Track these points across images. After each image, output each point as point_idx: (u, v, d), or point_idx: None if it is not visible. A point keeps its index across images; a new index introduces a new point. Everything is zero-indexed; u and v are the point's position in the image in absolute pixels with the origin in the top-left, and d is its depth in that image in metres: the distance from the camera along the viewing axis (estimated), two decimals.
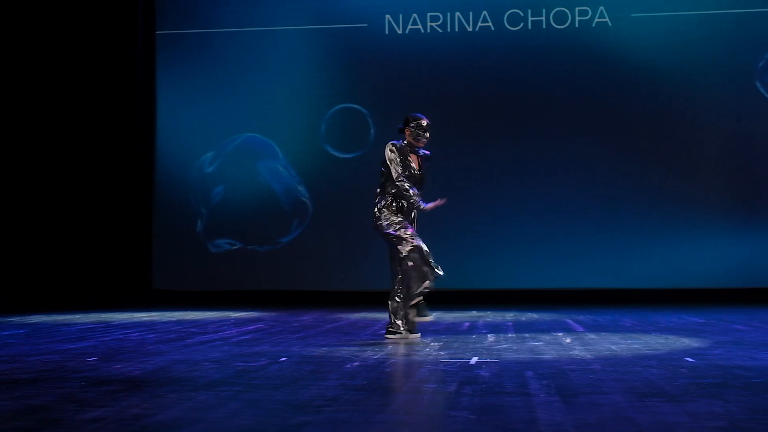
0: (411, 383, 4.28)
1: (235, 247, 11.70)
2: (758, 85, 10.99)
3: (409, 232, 6.42)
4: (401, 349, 5.73)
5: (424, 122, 6.54)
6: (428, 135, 6.54)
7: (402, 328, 6.35)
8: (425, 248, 6.37)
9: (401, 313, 6.39)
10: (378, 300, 11.03)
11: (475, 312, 9.49)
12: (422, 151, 6.64)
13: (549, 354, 5.37)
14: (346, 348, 5.82)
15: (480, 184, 11.31)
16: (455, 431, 3.14)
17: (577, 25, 11.32)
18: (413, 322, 6.43)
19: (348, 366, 4.83)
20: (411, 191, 6.40)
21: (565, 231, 11.14)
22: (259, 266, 11.64)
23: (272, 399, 3.78)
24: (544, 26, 11.38)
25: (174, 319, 8.76)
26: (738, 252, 10.92)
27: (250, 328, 7.57)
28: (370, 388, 4.07)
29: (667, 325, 7.50)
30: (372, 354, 5.45)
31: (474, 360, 5.11)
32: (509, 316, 8.89)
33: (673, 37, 11.12)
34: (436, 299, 10.04)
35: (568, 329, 7.19)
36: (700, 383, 4.08)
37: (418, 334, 6.47)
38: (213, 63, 11.84)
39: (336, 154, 11.58)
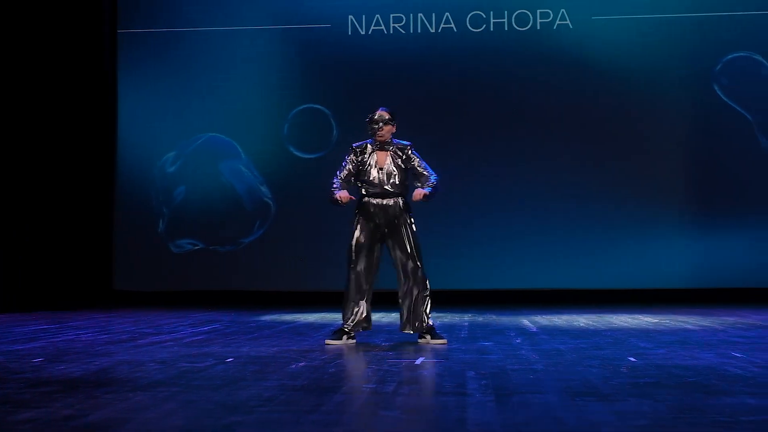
0: (350, 383, 4.29)
1: (197, 248, 11.67)
2: (716, 88, 11.11)
3: (354, 236, 6.24)
4: (351, 350, 5.75)
5: (375, 115, 6.27)
6: (378, 126, 6.21)
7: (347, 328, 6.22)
8: (358, 270, 6.17)
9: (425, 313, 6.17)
10: (338, 300, 11.06)
11: (433, 313, 9.48)
12: (399, 143, 6.30)
13: (495, 354, 5.41)
14: (296, 348, 5.83)
15: (441, 184, 11.34)
16: (382, 431, 3.16)
17: (538, 27, 11.40)
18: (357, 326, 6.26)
19: (293, 366, 4.84)
20: (331, 191, 6.27)
21: (526, 232, 11.21)
22: (221, 267, 11.62)
23: (208, 399, 3.79)
24: (506, 28, 11.44)
25: (130, 319, 8.73)
26: (696, 252, 11.04)
27: (205, 328, 7.56)
28: (309, 388, 4.09)
29: (619, 326, 7.56)
30: (320, 354, 5.46)
31: (420, 360, 5.13)
32: (467, 317, 8.93)
33: (633, 40, 11.23)
34: (390, 299, 10.06)
35: (521, 330, 7.24)
36: (636, 383, 4.13)
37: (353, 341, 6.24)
38: (176, 62, 11.80)
39: (299, 154, 11.58)
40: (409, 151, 6.30)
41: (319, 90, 11.64)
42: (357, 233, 6.25)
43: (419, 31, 11.58)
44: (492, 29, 11.47)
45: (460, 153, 11.38)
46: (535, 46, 11.38)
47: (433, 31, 11.56)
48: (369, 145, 6.34)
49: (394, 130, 6.34)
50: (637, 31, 11.24)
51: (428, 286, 6.23)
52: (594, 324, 7.77)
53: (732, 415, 3.32)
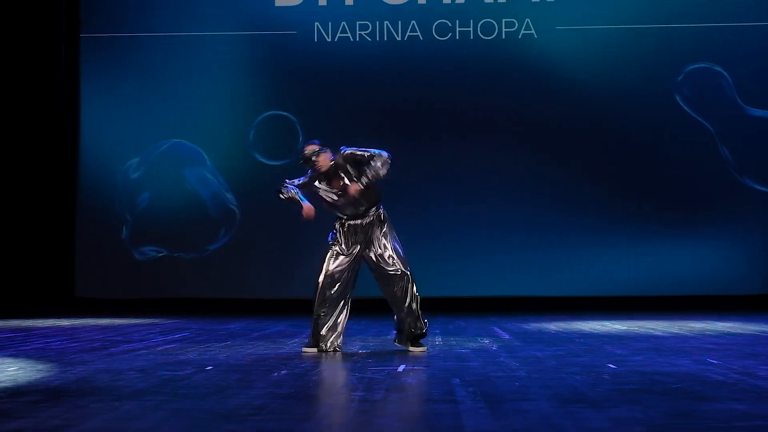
0: (337, 391, 4.26)
1: (161, 255, 11.53)
2: (677, 98, 11.27)
3: (329, 254, 6.11)
4: (329, 357, 5.71)
5: (305, 152, 6.06)
6: (314, 161, 5.99)
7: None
8: (328, 293, 6.06)
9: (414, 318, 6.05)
10: (305, 308, 11.01)
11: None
12: (335, 158, 6.02)
13: (476, 361, 5.41)
14: (273, 356, 5.78)
15: (404, 193, 11.33)
16: None
17: (504, 36, 11.47)
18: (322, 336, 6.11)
19: (275, 374, 4.80)
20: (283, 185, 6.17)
21: (486, 240, 11.26)
22: (185, 274, 11.50)
23: (198, 408, 3.74)
24: (471, 37, 11.50)
25: (97, 327, 8.60)
26: (657, 261, 11.17)
27: (176, 336, 7.47)
28: (297, 396, 4.05)
29: (590, 333, 7.62)
30: (300, 362, 5.43)
31: (402, 368, 5.12)
32: (437, 324, 8.92)
33: (596, 50, 11.35)
34: (365, 306, 10.06)
35: (494, 337, 7.26)
36: (622, 389, 4.15)
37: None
38: (140, 67, 11.67)
39: (264, 161, 11.51)
40: (346, 153, 6.02)
41: (285, 96, 11.59)
42: (331, 265, 6.10)
43: (385, 38, 11.59)
44: (458, 38, 11.52)
45: (425, 160, 11.40)
46: (500, 55, 11.45)
47: (399, 39, 11.57)
48: (317, 177, 6.09)
49: (330, 154, 6.06)
50: (600, 41, 11.37)
51: (416, 293, 6.11)
52: (564, 331, 7.81)
53: (726, 420, 3.36)
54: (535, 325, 8.51)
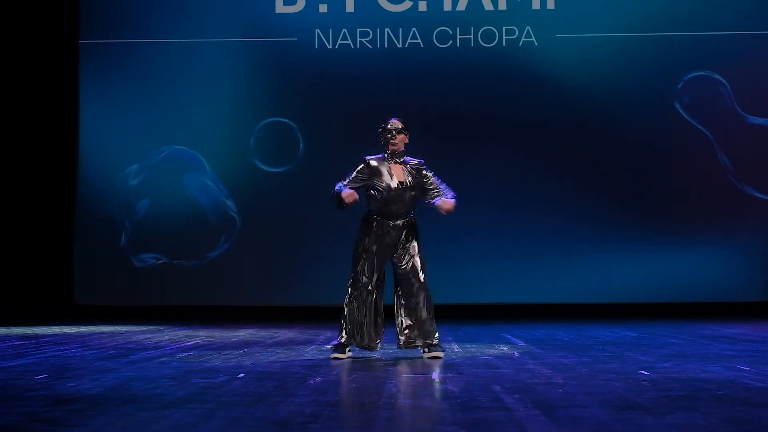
0: (384, 398, 4.22)
1: (160, 262, 11.44)
2: (677, 105, 11.33)
3: (360, 257, 6.05)
4: (357, 364, 5.67)
5: (388, 125, 6.10)
6: (391, 135, 6.03)
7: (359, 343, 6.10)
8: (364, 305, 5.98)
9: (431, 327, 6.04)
10: (306, 315, 11.02)
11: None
12: (411, 160, 6.15)
13: (506, 369, 5.39)
14: (298, 363, 5.74)
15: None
16: None
17: (504, 44, 11.49)
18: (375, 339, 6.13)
19: (311, 382, 4.76)
20: (337, 191, 6.01)
21: (491, 247, 11.25)
22: (185, 281, 11.41)
23: (251, 416, 3.69)
24: (472, 44, 11.50)
25: (104, 334, 8.50)
26: (659, 268, 11.19)
27: (189, 344, 7.40)
28: (345, 403, 4.01)
29: (603, 339, 7.63)
30: (330, 369, 5.39)
31: (436, 375, 5.09)
32: (444, 331, 8.90)
33: (596, 58, 11.39)
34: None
35: (511, 344, 7.25)
36: (669, 396, 4.15)
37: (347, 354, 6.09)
38: (140, 74, 11.58)
39: (265, 168, 11.46)
40: (424, 170, 6.15)
41: (285, 103, 11.55)
42: (363, 258, 6.06)
43: (386, 46, 11.58)
44: (458, 45, 11.53)
45: (429, 168, 11.34)
46: (501, 62, 11.46)
47: (399, 46, 11.57)
48: (381, 159, 6.14)
49: (407, 140, 6.15)
50: (600, 49, 11.41)
51: (432, 300, 6.12)
52: (578, 338, 7.82)
53: None
54: (545, 332, 8.50)
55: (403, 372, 5.24)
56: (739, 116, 11.27)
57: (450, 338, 7.92)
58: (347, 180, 6.14)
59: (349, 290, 6.12)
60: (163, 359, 6.07)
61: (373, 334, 6.09)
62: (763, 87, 11.29)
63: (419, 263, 6.08)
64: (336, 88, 11.52)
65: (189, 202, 11.47)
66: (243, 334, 8.54)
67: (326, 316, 10.90)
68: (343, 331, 6.12)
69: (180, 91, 11.54)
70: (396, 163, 6.14)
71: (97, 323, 10.16)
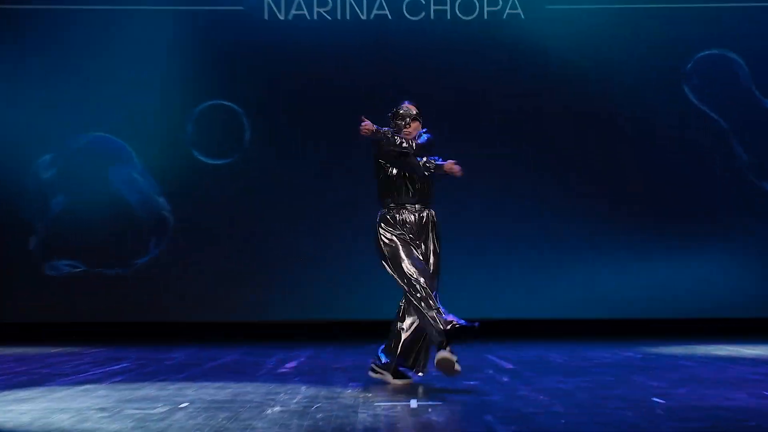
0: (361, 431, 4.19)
1: (77, 270, 11.28)
2: (686, 89, 11.41)
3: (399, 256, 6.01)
4: (321, 392, 5.64)
5: (401, 110, 6.34)
6: (406, 123, 6.27)
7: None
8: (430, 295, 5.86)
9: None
10: (252, 333, 10.94)
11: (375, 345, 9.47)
12: (421, 140, 6.24)
13: (495, 395, 5.40)
14: (250, 390, 5.70)
15: (370, 195, 11.29)
16: None
17: (486, 16, 11.49)
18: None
19: (269, 412, 4.71)
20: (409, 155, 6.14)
21: (474, 254, 11.23)
22: (107, 293, 11.25)
23: None
24: (448, 17, 11.49)
25: (9, 357, 8.37)
26: (660, 278, 11.24)
27: (116, 367, 7.33)
28: None
29: (602, 361, 7.67)
30: (287, 397, 5.35)
31: (414, 403, 5.07)
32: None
33: (592, 33, 11.42)
34: (329, 330, 10.05)
35: (496, 366, 7.25)
36: (689, 427, 4.16)
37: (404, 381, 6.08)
38: (53, 47, 11.39)
39: (204, 159, 11.35)
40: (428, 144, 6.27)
41: (229, 84, 11.44)
42: (396, 244, 6.03)
43: (348, 17, 11.53)
44: (432, 17, 11.50)
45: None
46: (481, 37, 11.44)
47: (364, 18, 11.52)
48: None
49: (420, 128, 6.29)
50: (596, 23, 11.45)
51: None
52: (572, 359, 7.85)
53: None
54: (534, 353, 8.52)
55: (376, 399, 5.21)
56: (758, 101, 11.39)
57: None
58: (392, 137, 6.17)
59: (415, 300, 5.89)
60: (87, 386, 6.00)
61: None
62: None
63: (435, 266, 6.07)
64: (289, 67, 11.43)
65: (113, 199, 11.32)
66: (178, 355, 8.47)
67: (275, 334, 10.89)
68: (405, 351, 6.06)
69: (103, 68, 11.38)
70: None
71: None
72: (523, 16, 11.49)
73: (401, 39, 11.46)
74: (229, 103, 11.41)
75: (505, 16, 11.50)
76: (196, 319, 11.27)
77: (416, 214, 6.14)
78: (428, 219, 6.17)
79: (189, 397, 5.36)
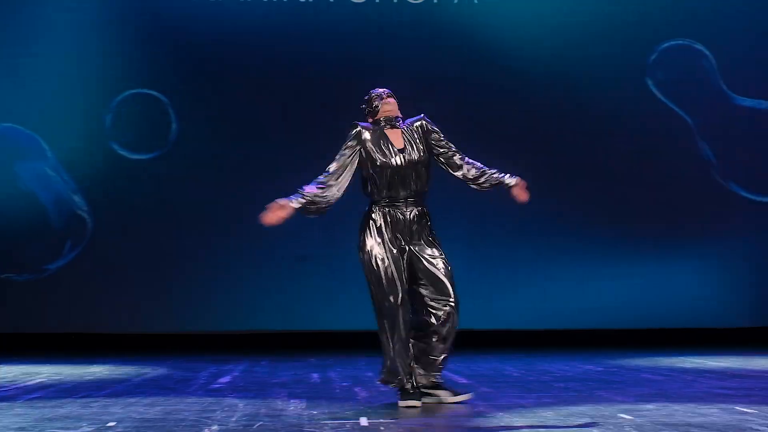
0: None
1: None
2: (649, 82, 11.59)
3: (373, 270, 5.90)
4: (260, 409, 5.67)
5: (372, 93, 6.16)
6: (382, 99, 6.09)
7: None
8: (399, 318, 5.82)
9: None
10: (180, 345, 10.91)
11: (314, 360, 9.53)
12: (408, 121, 6.12)
13: (454, 412, 5.46)
14: (183, 407, 5.71)
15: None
16: None
17: (435, 0, 11.57)
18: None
19: (206, 431, 4.73)
20: (302, 192, 5.96)
21: None
22: (16, 301, 11.15)
23: None
24: (395, 1, 11.54)
25: None
26: (617, 287, 11.40)
27: (32, 383, 7.29)
28: None
29: (563, 375, 7.79)
30: (224, 415, 5.36)
31: (365, 421, 5.12)
32: (362, 363, 8.98)
33: (550, 22, 11.53)
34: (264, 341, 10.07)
35: (449, 380, 7.32)
36: None
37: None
38: None
39: (125, 154, 11.29)
40: (426, 124, 6.13)
41: (153, 71, 11.39)
42: (378, 253, 5.87)
43: None
44: (377, 1, 11.55)
45: (325, 148, 11.30)
46: (431, 23, 11.51)
47: (302, 0, 11.53)
48: (373, 128, 6.06)
49: (397, 104, 6.16)
50: (555, 10, 11.56)
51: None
52: (529, 372, 7.97)
53: None
54: (489, 366, 8.63)
55: (322, 417, 5.25)
56: (725, 97, 11.61)
57: (370, 374, 7.96)
58: (329, 167, 6.01)
59: (377, 320, 5.91)
60: (0, 405, 5.96)
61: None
62: (755, 60, 11.63)
63: (446, 267, 5.99)
64: (218, 52, 11.41)
65: (22, 197, 11.23)
66: (99, 370, 8.47)
67: (204, 346, 10.89)
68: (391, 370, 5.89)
69: (11, 51, 11.28)
70: (392, 127, 6.07)
71: None
72: (476, 1, 11.57)
73: (342, 23, 11.50)
74: (153, 92, 11.37)
75: (456, 1, 11.57)
76: (116, 330, 11.22)
77: (407, 218, 5.99)
78: (420, 216, 6.03)
79: (116, 416, 5.36)
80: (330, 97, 11.36)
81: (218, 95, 11.41)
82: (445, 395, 5.97)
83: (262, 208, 11.25)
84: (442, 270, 5.95)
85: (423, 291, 5.93)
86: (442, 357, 5.96)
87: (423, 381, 5.95)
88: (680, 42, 11.62)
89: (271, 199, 11.32)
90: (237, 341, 11.14)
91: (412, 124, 6.12)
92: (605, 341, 11.22)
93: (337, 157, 6.03)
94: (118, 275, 11.21)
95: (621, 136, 11.56)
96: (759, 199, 11.58)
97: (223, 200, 11.24)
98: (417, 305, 5.95)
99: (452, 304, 5.92)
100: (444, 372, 6.89)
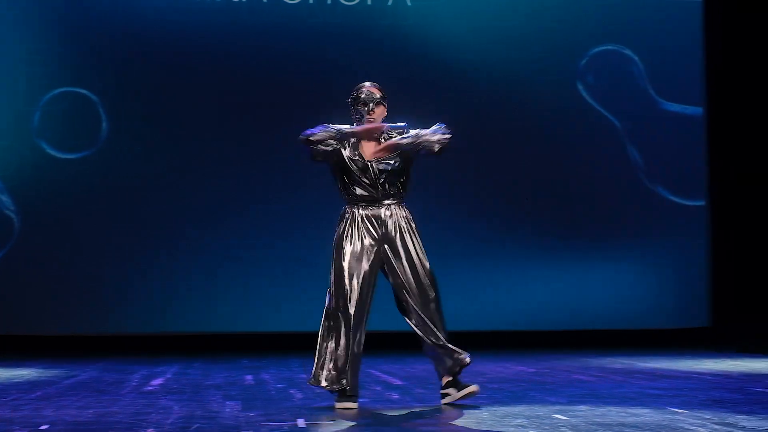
0: None
1: None
2: (580, 86, 11.74)
3: (342, 266, 5.86)
4: (195, 411, 5.63)
5: (362, 93, 6.04)
6: (369, 109, 5.99)
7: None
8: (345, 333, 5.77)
9: None
10: (113, 346, 10.81)
11: (246, 361, 9.51)
12: (392, 126, 6.07)
13: (386, 414, 5.48)
14: (118, 410, 5.65)
15: (242, 194, 11.26)
16: None
17: (369, 2, 11.59)
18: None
19: None
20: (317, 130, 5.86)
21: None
22: None
23: None
24: (329, 2, 11.54)
25: None
26: (547, 287, 11.54)
27: None
28: None
29: (495, 376, 7.85)
30: (159, 417, 5.32)
31: (302, 422, 5.11)
32: (296, 365, 8.98)
33: (483, 25, 11.63)
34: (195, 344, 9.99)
35: (383, 382, 7.35)
36: None
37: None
38: None
39: (54, 153, 11.15)
40: (406, 133, 6.05)
41: (83, 69, 11.27)
42: (347, 258, 5.82)
43: None
44: (311, 2, 11.54)
45: (265, 157, 11.29)
46: (364, 26, 11.55)
47: None
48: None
49: (386, 113, 6.09)
50: (488, 14, 11.64)
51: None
52: (465, 374, 7.96)
53: None
54: (422, 367, 8.65)
55: (259, 419, 5.23)
56: (653, 102, 11.80)
57: (304, 375, 7.95)
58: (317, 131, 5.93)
59: (323, 319, 5.86)
60: None
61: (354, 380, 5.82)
62: (683, 67, 11.84)
63: (424, 270, 5.97)
64: (149, 51, 11.33)
65: None
66: (28, 373, 8.35)
67: (134, 348, 10.81)
68: (328, 370, 5.81)
69: None
70: (371, 140, 6.03)
71: None
72: (409, 3, 11.63)
73: (275, 23, 11.49)
74: (83, 91, 11.25)
75: (390, 3, 11.62)
76: (44, 332, 11.06)
77: (385, 218, 5.95)
78: (398, 216, 5.99)
79: (49, 419, 5.29)
80: (262, 95, 11.35)
81: (149, 94, 11.32)
82: (453, 392, 5.96)
83: (191, 206, 11.33)
84: (416, 299, 5.98)
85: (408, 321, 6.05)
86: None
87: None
88: (610, 47, 11.79)
89: (201, 198, 11.37)
90: (168, 343, 11.05)
91: (392, 130, 6.08)
92: (537, 342, 11.33)
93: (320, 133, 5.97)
94: (46, 276, 11.06)
95: (552, 139, 11.69)
96: (685, 202, 11.79)
97: (152, 200, 11.16)
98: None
99: (440, 344, 5.96)
100: (376, 372, 6.95)
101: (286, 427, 4.94)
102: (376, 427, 4.94)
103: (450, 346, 5.96)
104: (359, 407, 5.79)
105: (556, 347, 11.03)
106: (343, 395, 5.76)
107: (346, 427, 5.00)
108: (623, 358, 9.54)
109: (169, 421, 5.18)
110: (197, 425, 5.04)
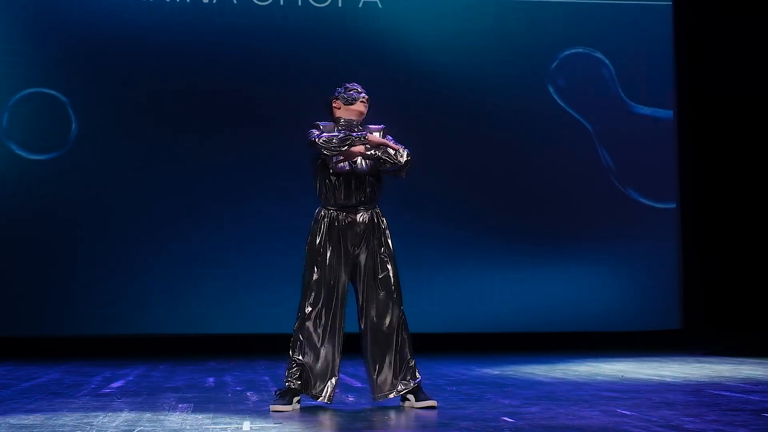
0: None
1: None
2: (551, 89, 11.74)
3: (314, 270, 5.86)
4: (144, 414, 5.60)
5: (350, 84, 6.07)
6: (365, 101, 6.03)
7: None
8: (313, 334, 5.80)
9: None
10: (77, 348, 10.76)
11: (213, 363, 9.48)
12: (372, 128, 6.05)
13: (338, 416, 5.47)
14: (67, 413, 5.63)
15: (210, 197, 11.23)
16: None
17: (340, 4, 11.58)
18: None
19: None
20: (328, 137, 5.76)
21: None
22: None
23: None
24: (299, 3, 11.53)
25: None
26: (521, 289, 11.54)
27: None
28: None
29: (457, 378, 7.84)
30: (106, 420, 5.30)
31: (247, 426, 5.09)
32: (262, 367, 8.96)
33: (455, 27, 11.64)
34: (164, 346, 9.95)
35: (345, 385, 7.33)
36: None
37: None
38: None
39: (23, 154, 11.10)
40: (384, 136, 6.01)
41: (51, 70, 11.22)
42: (320, 263, 5.81)
43: (187, 0, 11.44)
44: (282, 4, 11.53)
45: (227, 146, 11.25)
46: (335, 27, 11.54)
47: (206, 1, 11.45)
48: (331, 129, 5.96)
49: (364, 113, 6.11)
50: (460, 16, 11.67)
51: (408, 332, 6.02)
52: (427, 377, 7.93)
53: None
54: None
55: (206, 422, 5.21)
56: (624, 104, 11.81)
57: (267, 378, 7.94)
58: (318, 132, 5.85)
59: (298, 319, 5.84)
60: None
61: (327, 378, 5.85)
62: (653, 69, 11.86)
63: (393, 273, 5.94)
64: (119, 51, 11.28)
65: None
66: None
67: (104, 350, 10.77)
68: (290, 373, 5.82)
69: None
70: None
71: None
72: (380, 5, 11.63)
73: (245, 25, 11.46)
74: (52, 91, 11.21)
75: (360, 5, 11.61)
76: (14, 333, 11.01)
77: (360, 221, 5.91)
78: (372, 220, 5.96)
79: (7, 424, 5.26)
80: (232, 96, 11.34)
81: (119, 95, 11.28)
82: (413, 399, 5.94)
83: (162, 208, 11.30)
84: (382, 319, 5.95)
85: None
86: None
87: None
88: (580, 50, 11.80)
89: (171, 200, 11.34)
90: (136, 345, 11.02)
91: (375, 130, 6.07)
92: (506, 346, 11.32)
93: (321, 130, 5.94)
94: (15, 277, 11.01)
95: (523, 141, 11.70)
96: (656, 205, 11.80)
97: (121, 201, 11.12)
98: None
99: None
100: (340, 375, 6.88)
101: (229, 430, 4.92)
102: (321, 429, 4.92)
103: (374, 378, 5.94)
104: (302, 408, 5.78)
105: (526, 350, 11.02)
106: (281, 397, 5.77)
107: (294, 430, 4.98)
108: (590, 361, 9.54)
109: (113, 424, 5.16)
110: (140, 428, 5.01)
